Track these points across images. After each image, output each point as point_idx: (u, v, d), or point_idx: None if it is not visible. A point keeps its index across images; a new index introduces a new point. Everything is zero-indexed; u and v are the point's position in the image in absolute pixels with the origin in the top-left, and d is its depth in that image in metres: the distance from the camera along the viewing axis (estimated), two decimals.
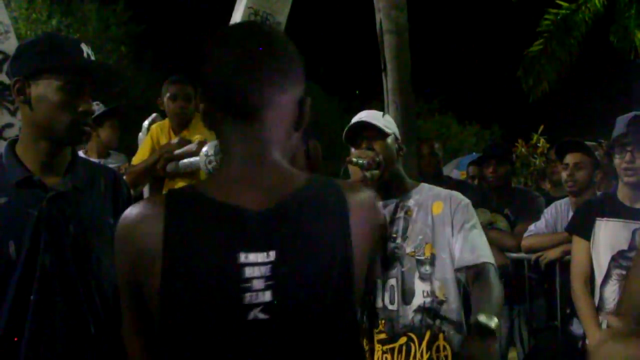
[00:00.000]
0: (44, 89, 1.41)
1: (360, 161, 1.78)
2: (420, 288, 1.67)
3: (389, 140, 1.81)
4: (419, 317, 1.65)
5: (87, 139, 1.52)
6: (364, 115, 1.84)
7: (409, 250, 1.70)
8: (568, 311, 2.92)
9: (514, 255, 3.22)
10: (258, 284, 0.87)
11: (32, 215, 1.39)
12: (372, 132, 1.79)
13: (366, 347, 1.68)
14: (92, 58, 1.49)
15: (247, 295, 0.87)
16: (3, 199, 1.39)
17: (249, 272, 0.87)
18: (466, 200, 1.77)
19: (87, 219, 1.43)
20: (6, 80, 3.92)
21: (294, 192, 0.94)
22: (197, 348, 0.89)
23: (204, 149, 3.00)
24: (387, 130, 1.81)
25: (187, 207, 0.92)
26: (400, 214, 1.78)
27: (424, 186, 1.85)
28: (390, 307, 1.69)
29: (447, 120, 17.21)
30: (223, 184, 0.96)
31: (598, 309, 2.34)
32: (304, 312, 0.89)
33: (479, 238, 1.71)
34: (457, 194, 1.78)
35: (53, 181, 1.45)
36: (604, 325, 2.33)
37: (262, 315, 0.87)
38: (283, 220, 0.91)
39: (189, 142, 3.21)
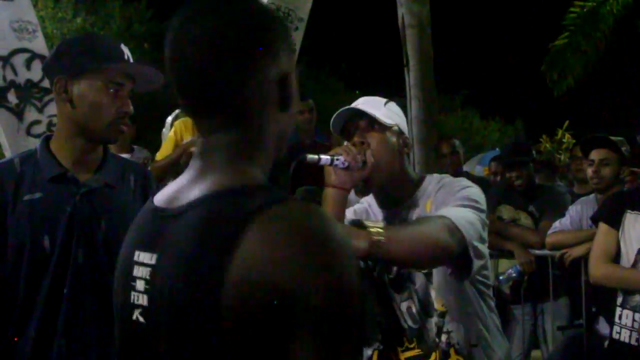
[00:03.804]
0: (86, 89, 1.45)
1: (324, 158, 1.44)
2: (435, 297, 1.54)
3: (389, 133, 1.54)
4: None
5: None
6: (360, 102, 1.58)
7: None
8: (593, 309, 2.88)
9: (538, 252, 3.19)
10: (140, 285, 0.84)
11: (66, 211, 1.43)
12: (366, 122, 1.53)
13: None
14: (131, 60, 1.52)
15: (133, 294, 0.86)
16: (38, 194, 1.44)
17: (136, 271, 0.85)
18: (455, 184, 1.53)
19: (118, 214, 1.46)
20: (34, 78, 4.00)
21: (207, 194, 0.81)
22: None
23: None
24: (386, 121, 1.53)
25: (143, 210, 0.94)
26: None
27: (428, 181, 1.60)
28: (414, 326, 1.55)
29: (469, 115, 17.02)
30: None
31: (622, 304, 2.30)
32: (169, 327, 0.80)
33: (453, 210, 1.42)
34: (448, 181, 1.55)
35: (85, 177, 1.49)
36: (625, 319, 2.28)
37: (141, 318, 0.84)
38: (176, 223, 0.82)
39: None
